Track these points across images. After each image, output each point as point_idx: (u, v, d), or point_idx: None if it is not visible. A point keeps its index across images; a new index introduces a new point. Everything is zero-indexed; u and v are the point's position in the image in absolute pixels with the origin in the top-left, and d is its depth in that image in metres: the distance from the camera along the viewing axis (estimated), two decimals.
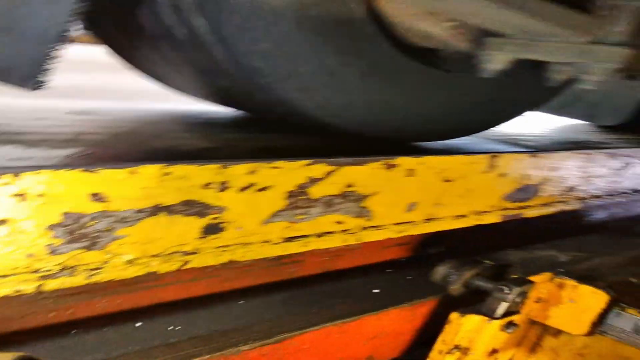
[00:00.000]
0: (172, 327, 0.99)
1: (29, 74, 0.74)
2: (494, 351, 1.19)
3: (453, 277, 1.26)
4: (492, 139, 1.83)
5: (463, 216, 1.28)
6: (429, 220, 1.21)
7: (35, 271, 0.73)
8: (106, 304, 0.95)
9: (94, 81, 2.69)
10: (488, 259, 1.38)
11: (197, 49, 1.06)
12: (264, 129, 1.42)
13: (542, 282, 1.29)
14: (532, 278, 1.24)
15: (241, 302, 1.12)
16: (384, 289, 1.25)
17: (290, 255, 1.15)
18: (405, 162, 1.05)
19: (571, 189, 1.54)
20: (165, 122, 1.46)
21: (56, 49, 0.74)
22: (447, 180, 1.16)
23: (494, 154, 1.22)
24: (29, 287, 0.73)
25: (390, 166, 1.04)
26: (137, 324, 0.98)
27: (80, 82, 2.60)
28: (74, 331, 0.92)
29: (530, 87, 1.49)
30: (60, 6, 0.73)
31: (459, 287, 1.25)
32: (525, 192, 1.38)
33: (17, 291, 0.73)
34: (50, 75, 0.77)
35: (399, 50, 1.20)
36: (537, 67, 1.15)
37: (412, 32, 1.22)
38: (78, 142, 1.06)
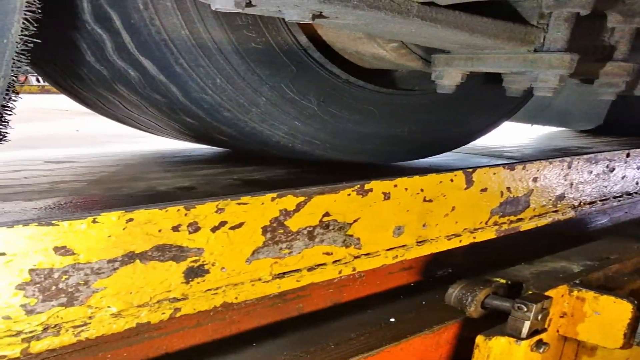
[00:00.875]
0: None
1: None
2: None
3: (468, 298, 1.14)
4: (474, 153, 1.72)
5: (457, 235, 1.16)
6: (421, 242, 1.10)
7: (17, 334, 0.66)
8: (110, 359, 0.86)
9: (71, 129, 2.56)
10: (498, 276, 1.24)
11: (152, 88, 1.00)
12: (242, 162, 1.33)
13: (560, 296, 1.15)
14: (548, 293, 1.13)
15: (253, 344, 1.01)
16: (400, 317, 1.12)
17: (293, 291, 1.05)
18: (378, 185, 0.96)
19: (561, 197, 1.40)
20: (143, 163, 1.39)
21: (7, 99, 0.67)
22: (428, 201, 1.06)
23: (468, 169, 1.12)
24: (14, 351, 0.66)
25: (365, 192, 0.95)
26: None
27: (56, 131, 2.49)
28: None
29: (498, 99, 1.39)
30: None
31: (476, 308, 1.12)
32: (514, 205, 1.26)
33: (3, 356, 0.65)
34: (7, 126, 0.71)
35: (352, 75, 1.12)
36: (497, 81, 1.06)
37: (360, 56, 1.16)
38: (54, 191, 0.99)
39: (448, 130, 1.39)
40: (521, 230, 1.33)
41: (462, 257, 1.36)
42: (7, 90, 0.63)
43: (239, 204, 0.78)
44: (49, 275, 0.65)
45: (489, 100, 1.39)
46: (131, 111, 1.20)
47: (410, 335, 1.05)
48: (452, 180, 1.08)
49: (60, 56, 1.11)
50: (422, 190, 1.03)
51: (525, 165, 1.23)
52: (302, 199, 0.86)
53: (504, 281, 1.21)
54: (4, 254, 0.61)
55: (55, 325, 0.68)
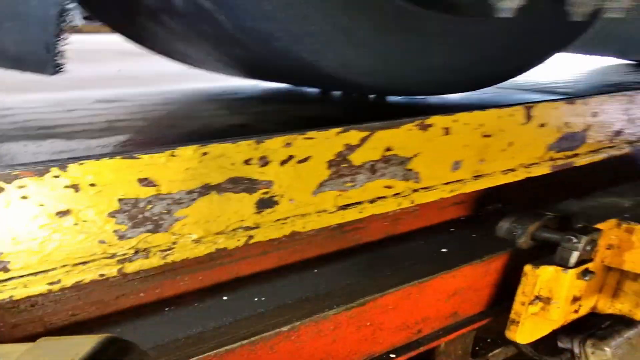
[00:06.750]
0: (257, 299, 0.91)
1: (43, 59, 0.67)
2: (576, 299, 1.08)
3: (518, 231, 1.12)
4: (525, 89, 1.62)
5: (511, 170, 1.13)
6: (477, 177, 1.07)
7: (112, 256, 0.69)
8: (189, 282, 0.89)
9: (113, 69, 2.39)
10: (549, 210, 1.21)
11: (201, 18, 0.92)
12: (295, 100, 1.29)
13: (609, 229, 1.12)
14: (598, 226, 1.10)
15: (315, 270, 1.02)
16: (451, 248, 1.12)
17: (351, 223, 1.05)
18: (439, 120, 0.93)
19: (618, 133, 1.33)
20: (195, 102, 1.35)
21: (62, 29, 0.66)
22: (486, 136, 1.02)
23: (529, 104, 1.06)
24: (111, 271, 0.69)
25: (425, 126, 0.92)
26: (224, 298, 0.91)
27: (99, 71, 2.33)
28: (166, 309, 0.87)
29: (554, 26, 1.26)
30: None
31: (526, 240, 1.10)
32: (570, 140, 1.20)
33: (102, 275, 0.68)
34: (64, 58, 0.70)
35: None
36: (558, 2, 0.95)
37: None
38: (113, 130, 0.99)
39: (502, 61, 1.28)
40: (575, 165, 1.27)
41: (512, 192, 1.33)
42: (61, 16, 0.61)
43: (306, 138, 0.77)
44: (136, 204, 0.67)
45: (547, 25, 1.25)
46: (182, 45, 1.13)
47: (463, 263, 1.05)
48: (511, 116, 1.03)
49: None
50: (481, 125, 0.99)
51: (586, 100, 1.16)
52: (365, 133, 0.84)
53: (554, 214, 1.18)
54: (94, 184, 0.63)
55: (145, 249, 0.71)
